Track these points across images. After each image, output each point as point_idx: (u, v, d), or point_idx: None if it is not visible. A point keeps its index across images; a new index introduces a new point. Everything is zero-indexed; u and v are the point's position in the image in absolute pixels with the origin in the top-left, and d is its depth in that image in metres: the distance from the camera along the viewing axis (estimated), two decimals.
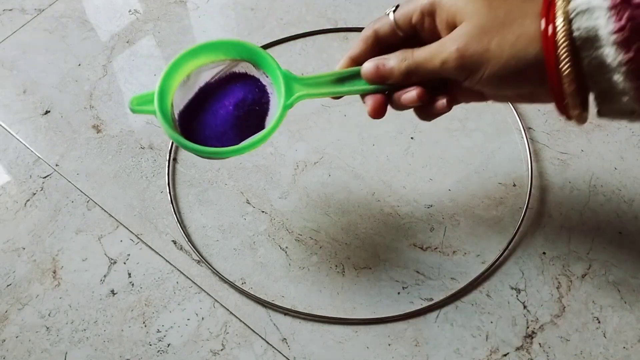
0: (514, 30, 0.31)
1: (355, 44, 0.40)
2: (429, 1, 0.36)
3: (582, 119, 0.32)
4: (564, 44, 0.29)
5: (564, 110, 0.32)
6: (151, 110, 0.40)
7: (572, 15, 0.29)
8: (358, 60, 0.40)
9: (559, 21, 0.30)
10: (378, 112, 0.39)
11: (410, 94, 0.38)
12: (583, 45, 0.29)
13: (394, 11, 0.38)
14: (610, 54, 0.28)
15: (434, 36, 0.37)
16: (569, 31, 0.29)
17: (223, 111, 0.42)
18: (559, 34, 0.30)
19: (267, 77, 0.42)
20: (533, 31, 0.31)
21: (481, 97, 0.39)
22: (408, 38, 0.39)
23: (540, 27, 0.30)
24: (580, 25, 0.29)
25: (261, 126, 0.42)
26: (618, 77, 0.29)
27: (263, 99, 0.43)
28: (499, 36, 0.32)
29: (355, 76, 0.40)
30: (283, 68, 0.41)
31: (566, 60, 0.30)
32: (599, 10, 0.28)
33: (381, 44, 0.40)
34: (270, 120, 0.42)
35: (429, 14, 0.36)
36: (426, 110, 0.39)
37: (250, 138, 0.41)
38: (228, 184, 0.54)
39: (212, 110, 0.43)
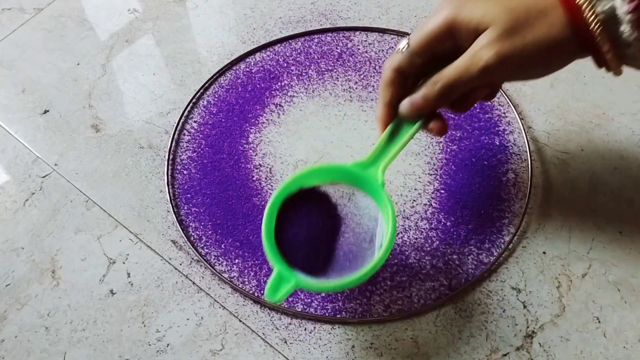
0: (543, 21, 0.35)
1: (382, 91, 0.42)
2: (442, 25, 0.38)
3: (617, 66, 0.36)
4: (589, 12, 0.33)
5: (602, 60, 0.36)
6: (290, 289, 0.39)
7: None
8: (393, 104, 0.42)
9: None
10: (444, 130, 0.42)
11: (437, 124, 0.42)
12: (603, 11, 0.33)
13: (408, 45, 0.40)
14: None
15: (456, 53, 0.38)
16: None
17: (306, 232, 0.42)
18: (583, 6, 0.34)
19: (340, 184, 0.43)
20: (560, 17, 0.35)
21: (495, 87, 0.43)
22: (426, 66, 0.40)
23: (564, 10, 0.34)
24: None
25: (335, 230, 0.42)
26: (625, 27, 0.33)
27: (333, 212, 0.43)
28: (531, 30, 0.35)
29: (400, 124, 0.42)
30: (348, 164, 0.42)
31: (594, 22, 0.34)
32: None
33: (405, 80, 0.41)
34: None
35: (448, 34, 0.38)
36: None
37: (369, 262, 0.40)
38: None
39: (300, 231, 0.42)
